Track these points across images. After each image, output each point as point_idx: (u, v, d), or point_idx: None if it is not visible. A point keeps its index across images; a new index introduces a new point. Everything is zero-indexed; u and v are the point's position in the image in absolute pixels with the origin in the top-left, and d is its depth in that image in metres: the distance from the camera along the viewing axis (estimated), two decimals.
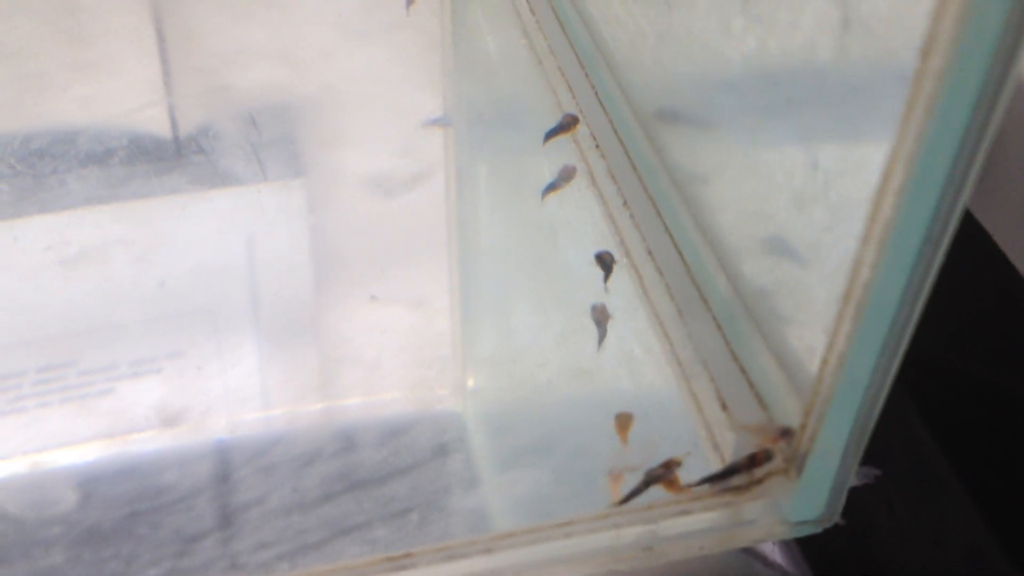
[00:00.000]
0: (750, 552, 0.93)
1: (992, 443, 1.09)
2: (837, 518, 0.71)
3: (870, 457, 0.69)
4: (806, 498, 0.69)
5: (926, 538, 1.09)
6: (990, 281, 1.05)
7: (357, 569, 0.66)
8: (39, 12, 1.20)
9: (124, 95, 1.23)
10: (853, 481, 0.69)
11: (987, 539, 1.05)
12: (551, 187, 0.96)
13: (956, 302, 1.11)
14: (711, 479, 0.69)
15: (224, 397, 1.14)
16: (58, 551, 0.93)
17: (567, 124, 0.97)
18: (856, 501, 0.71)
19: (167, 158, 1.21)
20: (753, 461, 0.68)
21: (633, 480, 0.72)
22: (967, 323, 1.13)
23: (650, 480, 0.71)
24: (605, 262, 0.86)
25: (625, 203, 0.88)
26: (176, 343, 1.14)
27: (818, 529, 0.71)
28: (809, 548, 1.00)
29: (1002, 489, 1.06)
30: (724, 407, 0.73)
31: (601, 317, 0.88)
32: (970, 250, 0.97)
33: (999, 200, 0.94)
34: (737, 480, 0.69)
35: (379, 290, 1.27)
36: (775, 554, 0.94)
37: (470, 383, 1.28)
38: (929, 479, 1.10)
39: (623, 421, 0.78)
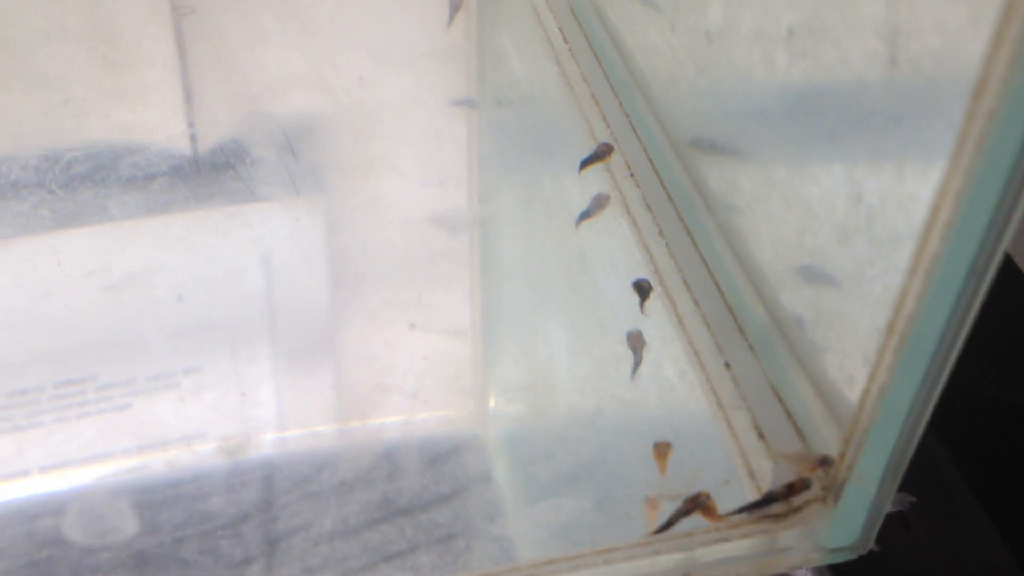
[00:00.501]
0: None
1: (1009, 460, 1.09)
2: (872, 544, 0.71)
3: None
4: (843, 525, 0.69)
5: (943, 555, 1.09)
6: (1010, 301, 1.05)
7: None
8: (78, 38, 1.21)
9: (161, 120, 1.23)
10: (889, 508, 0.70)
11: (1004, 555, 1.05)
12: (585, 215, 0.97)
13: (976, 322, 1.11)
14: (749, 507, 0.70)
15: (239, 413, 1.15)
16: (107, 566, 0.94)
17: (602, 153, 0.97)
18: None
19: (204, 183, 1.22)
20: (791, 490, 0.69)
21: (670, 509, 0.72)
22: (985, 342, 1.13)
23: (682, 512, 0.71)
24: (643, 288, 0.87)
25: (660, 232, 0.89)
26: (193, 359, 1.15)
27: (853, 555, 0.72)
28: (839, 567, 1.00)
29: (1019, 506, 1.06)
30: (761, 436, 0.74)
31: (637, 344, 0.88)
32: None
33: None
34: (775, 508, 0.69)
35: (404, 314, 1.27)
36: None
37: (491, 407, 1.28)
38: (946, 496, 1.10)
39: (662, 449, 0.79)
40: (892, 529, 1.08)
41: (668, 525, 0.71)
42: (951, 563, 1.08)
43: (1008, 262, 1.00)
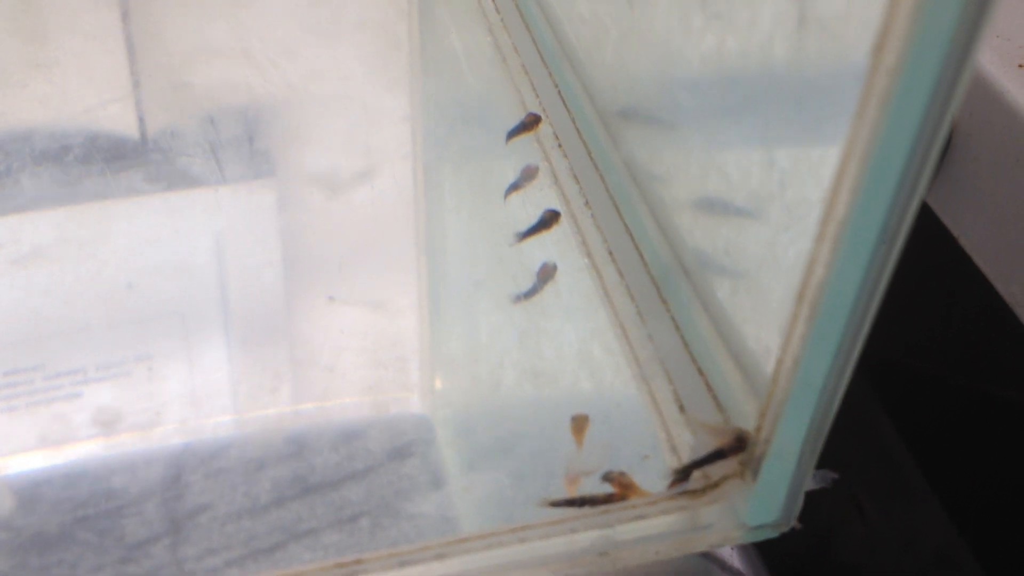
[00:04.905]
0: (708, 557, 0.93)
1: (964, 449, 1.08)
2: (794, 522, 0.70)
3: (841, 463, 0.68)
4: (762, 501, 0.68)
5: (897, 543, 1.08)
6: (963, 288, 1.05)
7: (307, 575, 0.65)
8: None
9: (109, 104, 1.21)
10: (810, 485, 0.68)
11: (957, 544, 1.05)
12: (513, 187, 0.96)
13: (929, 307, 1.11)
14: (678, 476, 0.68)
15: (192, 400, 1.13)
16: (2, 557, 0.92)
17: (529, 123, 0.96)
18: (827, 505, 0.70)
19: (128, 157, 1.20)
20: (718, 456, 0.67)
21: (589, 484, 0.71)
22: (940, 329, 1.13)
23: (581, 501, 0.70)
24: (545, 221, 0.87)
25: (587, 203, 0.88)
26: (144, 346, 1.13)
27: (775, 533, 0.70)
28: (770, 553, 1.00)
29: (973, 495, 1.06)
30: (682, 408, 0.72)
31: (545, 276, 0.88)
32: (943, 259, 0.97)
33: (964, 203, 0.94)
34: (693, 484, 0.68)
35: (344, 291, 1.26)
36: (733, 559, 0.93)
37: (437, 384, 1.27)
38: (900, 484, 1.10)
39: (579, 423, 0.77)
40: (847, 517, 1.08)
41: (569, 503, 0.69)
42: (906, 551, 1.08)
43: (964, 260, 0.99)
